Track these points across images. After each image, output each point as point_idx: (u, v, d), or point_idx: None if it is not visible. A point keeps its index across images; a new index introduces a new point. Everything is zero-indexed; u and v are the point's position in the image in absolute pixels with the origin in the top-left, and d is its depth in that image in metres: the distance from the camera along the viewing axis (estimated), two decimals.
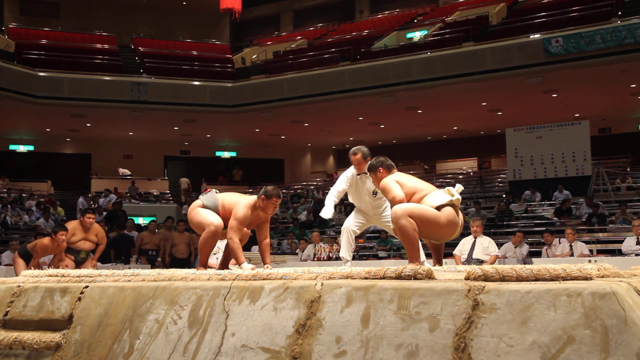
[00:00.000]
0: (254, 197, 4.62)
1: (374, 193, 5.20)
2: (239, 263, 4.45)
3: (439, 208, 3.77)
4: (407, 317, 2.26)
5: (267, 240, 4.80)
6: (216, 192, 4.76)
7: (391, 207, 3.86)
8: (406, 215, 3.64)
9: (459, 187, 4.00)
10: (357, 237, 5.97)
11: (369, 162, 4.39)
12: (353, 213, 5.48)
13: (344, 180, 5.33)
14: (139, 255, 11.08)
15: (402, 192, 3.90)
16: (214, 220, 4.49)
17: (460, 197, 3.91)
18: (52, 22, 24.75)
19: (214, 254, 8.39)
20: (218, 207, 4.61)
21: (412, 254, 3.70)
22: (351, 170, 5.31)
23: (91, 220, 7.56)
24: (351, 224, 5.38)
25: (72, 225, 7.57)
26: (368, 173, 4.40)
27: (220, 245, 8.31)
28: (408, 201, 3.88)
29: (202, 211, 4.60)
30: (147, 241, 11.38)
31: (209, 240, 4.52)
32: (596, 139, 18.16)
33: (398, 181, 3.99)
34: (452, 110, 19.55)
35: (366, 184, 5.22)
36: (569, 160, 15.70)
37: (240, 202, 4.57)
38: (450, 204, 3.82)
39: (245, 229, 4.65)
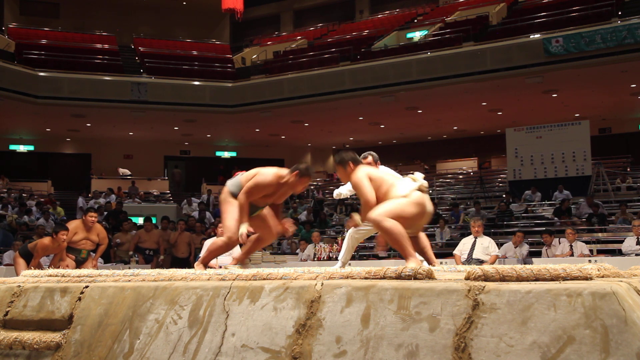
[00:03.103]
0: (285, 170, 4.40)
1: None
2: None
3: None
4: (407, 317, 2.26)
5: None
6: (241, 175, 4.52)
7: (363, 207, 3.86)
8: (384, 217, 3.59)
9: (419, 174, 3.94)
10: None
11: (337, 157, 4.26)
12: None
13: None
14: (135, 252, 11.09)
15: (373, 193, 3.85)
16: (234, 230, 4.25)
17: (425, 182, 3.85)
18: (52, 22, 24.74)
19: None
20: (242, 185, 4.36)
21: (404, 251, 3.61)
22: None
23: (93, 219, 7.57)
24: (355, 230, 5.45)
25: (74, 224, 7.58)
26: (336, 168, 4.27)
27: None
28: (375, 193, 3.83)
29: (231, 210, 4.33)
30: (145, 239, 11.36)
31: (220, 250, 4.38)
32: (596, 139, 18.16)
33: (368, 176, 3.92)
34: (452, 110, 19.55)
35: None
36: (569, 160, 15.70)
37: (265, 171, 4.36)
38: (418, 190, 3.77)
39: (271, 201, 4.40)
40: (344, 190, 5.62)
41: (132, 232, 12.01)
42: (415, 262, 3.50)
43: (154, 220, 15.65)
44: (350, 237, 5.44)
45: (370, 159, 5.32)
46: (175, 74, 20.24)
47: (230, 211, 4.32)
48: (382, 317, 2.30)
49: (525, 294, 2.12)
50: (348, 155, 4.15)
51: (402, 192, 3.74)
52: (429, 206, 3.81)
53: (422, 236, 4.17)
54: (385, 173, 4.05)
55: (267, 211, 4.57)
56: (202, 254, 8.54)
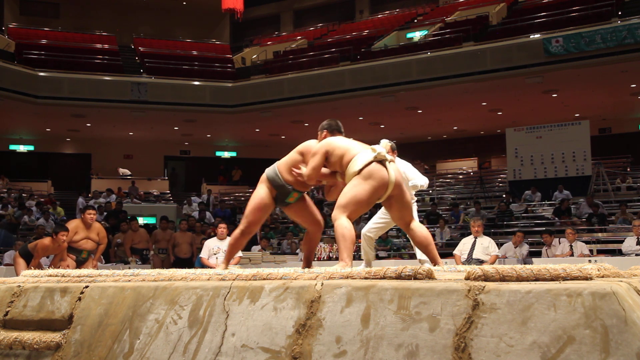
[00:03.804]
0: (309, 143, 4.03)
1: None
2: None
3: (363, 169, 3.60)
4: (407, 317, 2.26)
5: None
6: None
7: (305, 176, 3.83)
8: (340, 214, 3.55)
9: (384, 141, 3.79)
10: (357, 237, 6.05)
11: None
12: (378, 213, 5.53)
13: None
14: (132, 255, 11.11)
15: (317, 173, 3.80)
16: (248, 219, 4.02)
17: (383, 151, 3.66)
18: (52, 22, 24.74)
19: (215, 254, 8.41)
20: (279, 172, 4.01)
21: (341, 253, 3.53)
22: None
23: (92, 216, 7.57)
24: (368, 230, 5.46)
25: (74, 224, 7.58)
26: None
27: (221, 245, 8.34)
28: (340, 164, 3.73)
29: (254, 199, 4.02)
30: (137, 241, 11.35)
31: (240, 241, 4.09)
32: (596, 139, 18.16)
33: (329, 149, 3.79)
34: (452, 110, 19.54)
35: None
36: (569, 160, 15.71)
37: (309, 143, 4.00)
38: (375, 161, 3.61)
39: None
40: (419, 182, 5.46)
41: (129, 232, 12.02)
42: (342, 267, 3.22)
43: (151, 220, 15.63)
44: (363, 238, 5.49)
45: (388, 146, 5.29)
46: (175, 74, 20.24)
47: (253, 199, 4.03)
48: (382, 317, 2.30)
49: (525, 294, 2.12)
50: (323, 125, 4.04)
51: (356, 167, 3.62)
52: (390, 175, 3.60)
53: (421, 233, 3.86)
54: (352, 143, 3.83)
55: (307, 198, 4.23)
56: (202, 254, 8.57)
